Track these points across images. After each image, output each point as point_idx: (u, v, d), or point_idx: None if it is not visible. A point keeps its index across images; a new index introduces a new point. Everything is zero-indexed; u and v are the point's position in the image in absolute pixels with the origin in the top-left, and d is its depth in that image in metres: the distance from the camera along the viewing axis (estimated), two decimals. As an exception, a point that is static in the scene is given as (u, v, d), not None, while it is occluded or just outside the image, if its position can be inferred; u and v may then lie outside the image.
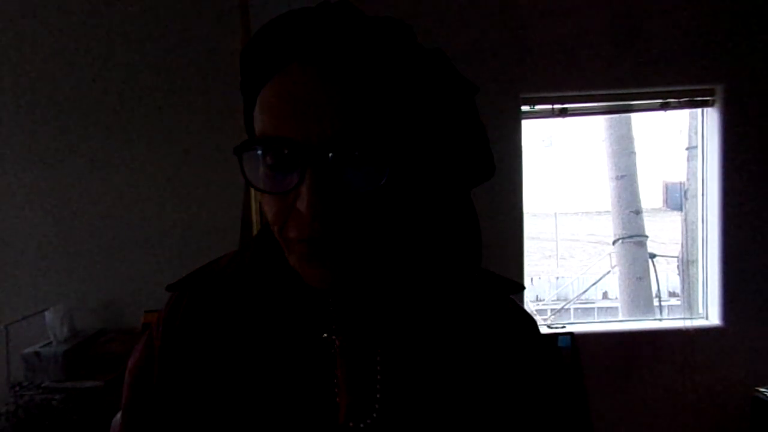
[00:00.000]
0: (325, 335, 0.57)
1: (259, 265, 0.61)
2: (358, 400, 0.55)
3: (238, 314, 0.59)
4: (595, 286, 7.63)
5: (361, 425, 0.55)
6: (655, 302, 4.03)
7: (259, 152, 0.51)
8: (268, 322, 0.58)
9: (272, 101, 0.50)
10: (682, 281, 3.10)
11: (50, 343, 2.21)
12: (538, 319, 3.35)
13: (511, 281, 0.64)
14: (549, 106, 2.69)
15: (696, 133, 2.87)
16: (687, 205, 2.96)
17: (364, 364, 0.57)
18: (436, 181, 0.59)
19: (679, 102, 2.70)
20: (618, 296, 4.62)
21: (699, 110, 2.77)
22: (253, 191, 2.35)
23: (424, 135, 0.55)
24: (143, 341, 0.64)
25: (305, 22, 0.51)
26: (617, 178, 4.25)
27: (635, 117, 4.15)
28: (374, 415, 0.55)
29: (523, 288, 0.66)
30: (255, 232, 2.36)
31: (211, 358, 0.58)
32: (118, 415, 1.73)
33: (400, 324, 0.58)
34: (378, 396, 0.56)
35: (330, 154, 0.47)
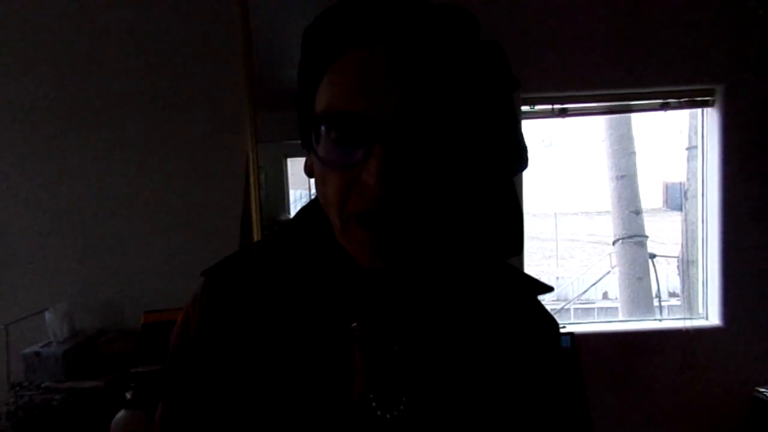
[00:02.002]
0: (354, 324, 0.58)
1: (292, 253, 0.62)
2: (379, 388, 0.56)
3: (271, 301, 0.60)
4: (595, 286, 7.63)
5: (388, 415, 0.56)
6: (655, 302, 4.03)
7: (323, 128, 0.52)
8: (298, 310, 0.59)
9: (344, 77, 0.51)
10: (682, 281, 3.09)
11: (50, 343, 2.21)
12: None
13: (540, 282, 0.66)
14: (549, 106, 2.68)
15: (696, 133, 2.87)
16: (687, 205, 2.96)
17: (385, 352, 0.57)
18: (481, 168, 0.61)
19: (679, 102, 2.70)
20: (618, 296, 4.62)
21: (699, 110, 2.77)
22: (253, 194, 2.35)
23: (474, 120, 0.57)
24: (178, 329, 0.65)
25: (380, 1, 0.53)
26: (617, 178, 4.25)
27: (635, 117, 4.15)
28: (401, 407, 0.56)
29: (552, 289, 0.67)
30: (255, 231, 2.36)
31: (244, 343, 0.59)
32: (118, 415, 1.73)
33: (428, 315, 0.59)
34: (405, 388, 0.57)
35: (399, 130, 0.49)
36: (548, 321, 0.66)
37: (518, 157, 0.63)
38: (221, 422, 0.58)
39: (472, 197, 0.61)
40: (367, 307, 0.59)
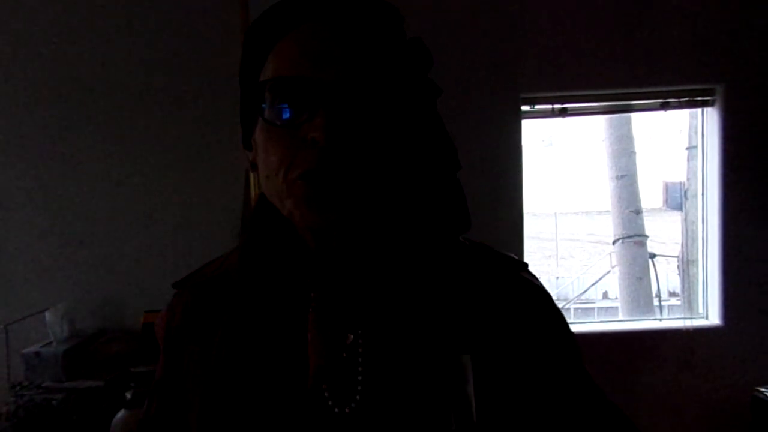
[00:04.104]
0: (310, 309, 0.59)
1: (246, 262, 0.64)
2: (333, 380, 0.57)
3: (230, 308, 0.63)
4: (595, 286, 7.63)
5: (346, 410, 0.56)
6: (655, 302, 4.03)
7: (269, 96, 0.56)
8: (257, 309, 0.61)
9: (288, 50, 0.56)
10: (682, 281, 3.09)
11: (50, 343, 2.21)
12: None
13: (513, 259, 0.67)
14: (549, 106, 2.68)
15: (696, 133, 2.87)
16: (687, 205, 2.96)
17: (340, 341, 0.58)
18: (417, 145, 0.62)
19: (679, 102, 2.70)
20: (618, 296, 4.61)
21: (699, 110, 2.77)
22: (253, 191, 2.35)
23: (403, 101, 0.60)
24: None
25: None
26: (617, 178, 4.25)
27: (635, 117, 4.15)
28: (357, 397, 0.56)
29: (525, 265, 0.67)
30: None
31: (207, 350, 0.62)
32: (118, 415, 1.73)
33: (386, 302, 0.59)
34: (360, 379, 0.57)
35: (340, 91, 0.53)
36: (533, 293, 0.64)
37: (446, 156, 0.64)
38: (187, 421, 0.62)
39: (410, 174, 0.62)
40: (320, 296, 0.59)
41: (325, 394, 0.57)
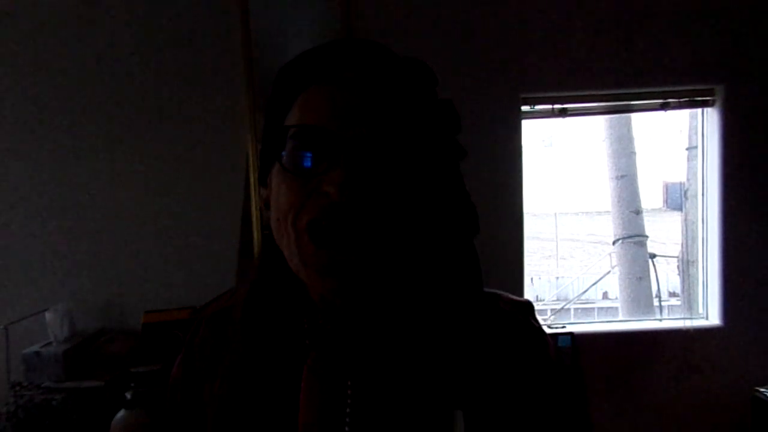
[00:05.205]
0: (308, 363, 0.59)
1: (249, 308, 0.64)
2: (320, 425, 0.57)
3: (233, 344, 0.64)
4: (595, 286, 7.62)
5: None
6: (655, 302, 4.03)
7: (290, 141, 0.56)
8: (256, 358, 0.61)
9: (314, 99, 0.56)
10: (682, 281, 3.09)
11: (50, 343, 2.21)
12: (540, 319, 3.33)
13: (516, 303, 0.66)
14: (549, 106, 2.68)
15: (696, 133, 2.87)
16: (687, 205, 2.96)
17: (333, 391, 0.58)
18: (432, 212, 0.62)
19: (679, 102, 2.70)
20: (618, 296, 4.61)
21: (699, 110, 2.77)
22: (253, 195, 2.35)
23: (427, 162, 0.59)
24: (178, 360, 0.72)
25: (349, 47, 0.59)
26: (617, 178, 4.25)
27: (635, 117, 4.15)
28: None
29: (529, 304, 0.66)
30: (255, 233, 2.36)
31: (212, 382, 0.64)
32: (118, 415, 1.73)
33: (379, 354, 0.58)
34: (347, 430, 0.57)
35: (360, 147, 0.53)
36: (531, 341, 0.64)
37: (467, 220, 0.64)
38: None
39: (424, 237, 0.61)
40: (315, 344, 0.60)
41: None
